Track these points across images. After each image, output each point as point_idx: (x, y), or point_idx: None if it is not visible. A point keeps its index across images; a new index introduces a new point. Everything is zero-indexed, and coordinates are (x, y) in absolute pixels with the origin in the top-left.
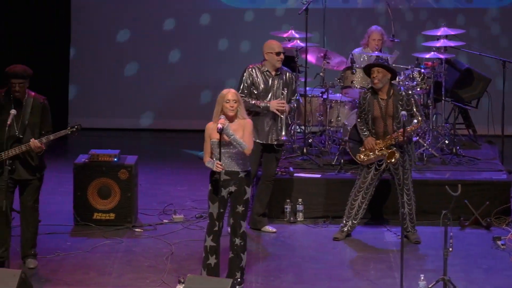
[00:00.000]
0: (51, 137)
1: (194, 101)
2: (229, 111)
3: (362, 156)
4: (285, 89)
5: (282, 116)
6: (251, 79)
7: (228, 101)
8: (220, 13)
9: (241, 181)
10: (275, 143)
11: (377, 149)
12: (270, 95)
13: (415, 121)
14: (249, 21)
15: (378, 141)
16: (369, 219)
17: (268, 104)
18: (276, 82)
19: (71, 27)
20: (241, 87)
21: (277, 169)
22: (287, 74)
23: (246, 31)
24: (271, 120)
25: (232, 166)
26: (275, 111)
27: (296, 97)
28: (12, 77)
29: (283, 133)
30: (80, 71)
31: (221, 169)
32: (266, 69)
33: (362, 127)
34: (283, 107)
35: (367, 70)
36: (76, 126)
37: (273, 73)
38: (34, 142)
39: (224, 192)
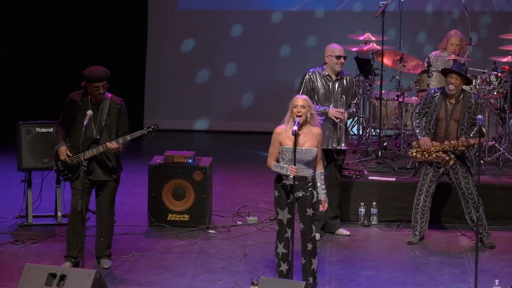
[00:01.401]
0: (128, 137)
1: (268, 103)
2: (296, 116)
3: (414, 153)
4: (343, 96)
5: (341, 124)
6: (311, 83)
7: (296, 106)
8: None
9: (309, 186)
10: (334, 149)
11: (433, 151)
12: (331, 100)
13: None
14: (324, 23)
15: (436, 143)
16: (443, 223)
17: (327, 109)
18: (336, 86)
19: (147, 31)
20: (301, 92)
21: (352, 172)
22: (348, 78)
23: (321, 33)
24: (332, 125)
25: (301, 171)
26: (333, 118)
27: (356, 100)
28: (97, 80)
29: (343, 143)
30: (155, 74)
31: (295, 174)
32: (327, 73)
33: (419, 124)
34: (341, 115)
35: (445, 73)
36: (152, 126)
37: (334, 77)
38: (111, 144)
39: (292, 197)
